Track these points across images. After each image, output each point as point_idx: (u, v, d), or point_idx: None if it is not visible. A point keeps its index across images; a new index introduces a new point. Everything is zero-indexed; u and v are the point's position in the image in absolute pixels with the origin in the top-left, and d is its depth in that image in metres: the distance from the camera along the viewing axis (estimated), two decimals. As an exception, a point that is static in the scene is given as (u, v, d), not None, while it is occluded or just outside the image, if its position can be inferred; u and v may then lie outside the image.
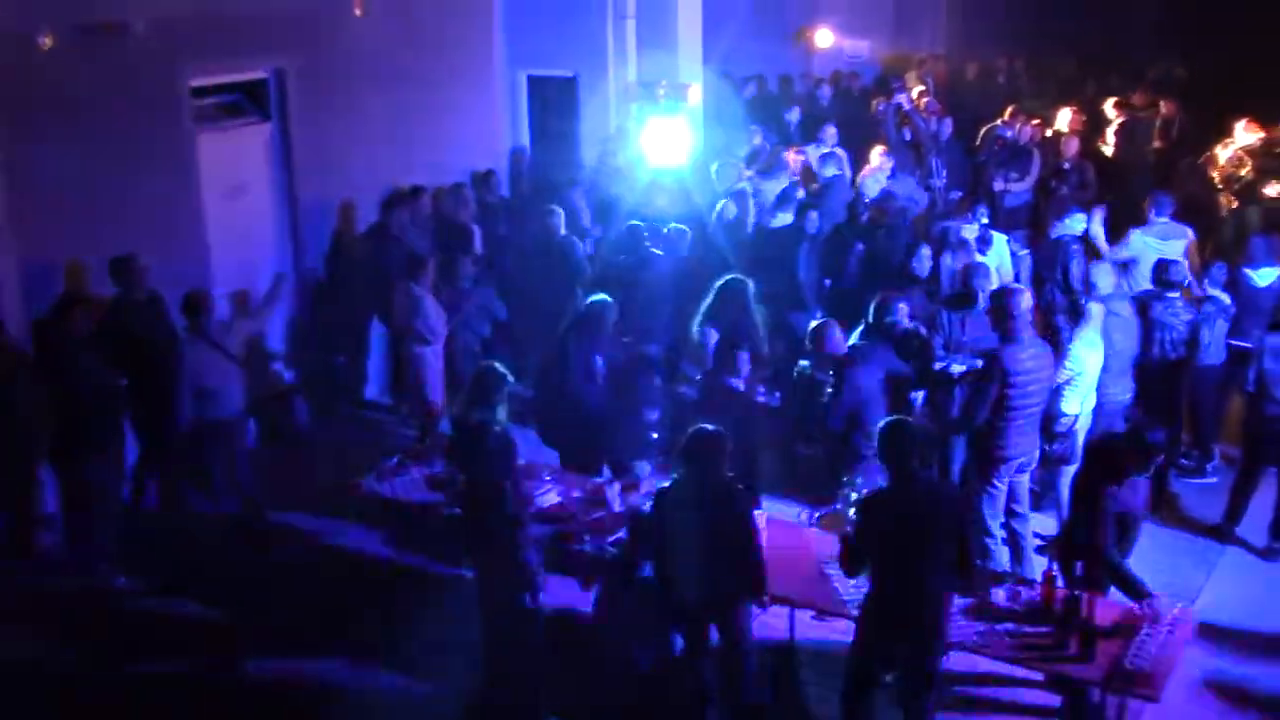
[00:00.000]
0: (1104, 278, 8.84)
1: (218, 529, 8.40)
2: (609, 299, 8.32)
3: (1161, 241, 10.31)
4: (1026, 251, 11.09)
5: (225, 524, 8.45)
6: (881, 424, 6.10)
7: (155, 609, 7.86)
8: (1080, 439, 8.12)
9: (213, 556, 8.16)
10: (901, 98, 14.31)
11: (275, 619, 7.62)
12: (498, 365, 6.82)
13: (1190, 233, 10.60)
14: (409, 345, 9.52)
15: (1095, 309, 8.31)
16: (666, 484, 6.34)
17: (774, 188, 11.55)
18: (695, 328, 8.83)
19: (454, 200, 11.08)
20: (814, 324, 8.15)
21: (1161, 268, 9.02)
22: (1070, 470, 8.14)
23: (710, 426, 6.22)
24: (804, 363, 8.33)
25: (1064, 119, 14.18)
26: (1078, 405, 8.10)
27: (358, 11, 10.59)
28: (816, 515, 7.66)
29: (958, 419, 7.89)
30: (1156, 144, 14.43)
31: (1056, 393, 7.97)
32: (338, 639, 7.40)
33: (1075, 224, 10.27)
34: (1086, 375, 8.10)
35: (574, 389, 8.13)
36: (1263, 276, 9.46)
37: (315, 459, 9.80)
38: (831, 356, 7.85)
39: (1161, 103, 14.73)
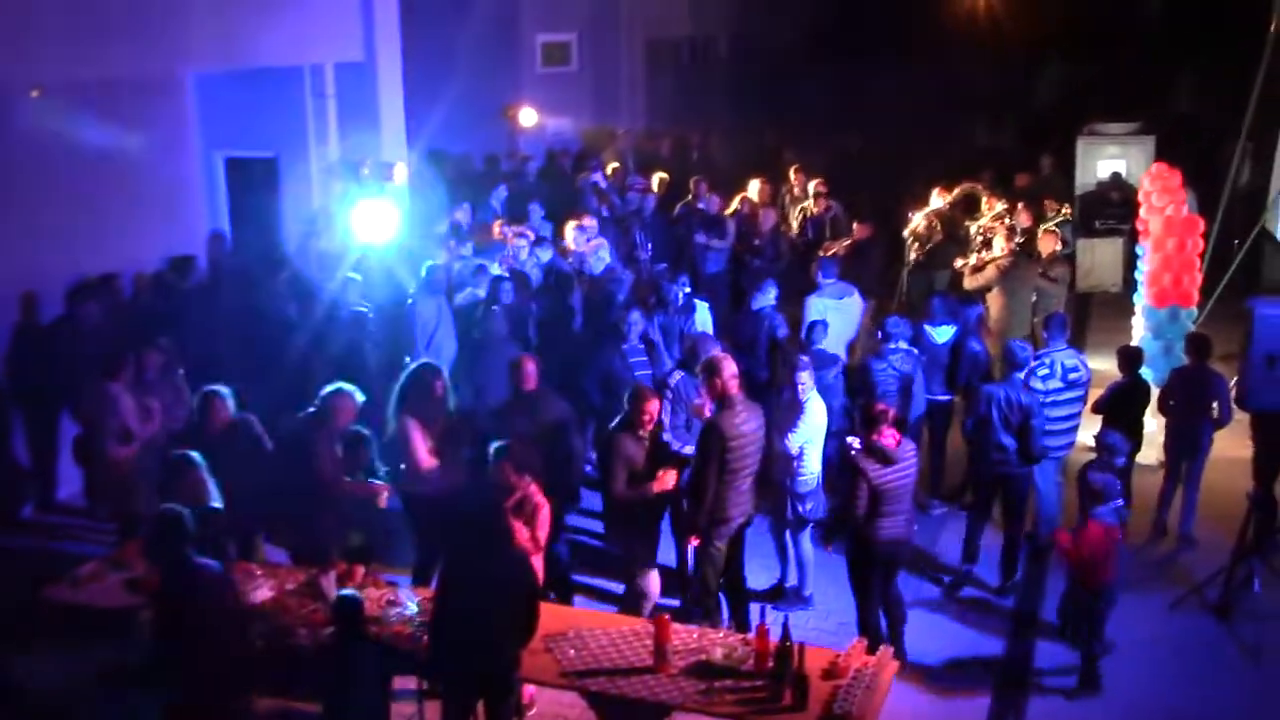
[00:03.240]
0: None
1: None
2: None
3: (837, 301, 10.95)
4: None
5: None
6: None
7: None
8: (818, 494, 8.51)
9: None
10: (597, 176, 14.63)
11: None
12: (193, 455, 6.51)
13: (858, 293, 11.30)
14: (103, 444, 9.00)
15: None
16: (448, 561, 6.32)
17: (493, 266, 11.57)
18: (391, 415, 8.31)
19: (149, 289, 10.59)
20: (511, 361, 8.32)
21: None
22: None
23: (484, 496, 6.21)
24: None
25: (754, 189, 14.87)
26: (817, 462, 8.45)
27: (35, 93, 10.05)
28: None
29: (690, 490, 7.84)
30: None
31: (800, 454, 8.29)
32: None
33: (771, 296, 10.62)
34: (819, 430, 8.43)
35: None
36: (941, 333, 10.17)
37: (-1, 569, 9.06)
38: (529, 394, 8.00)
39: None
